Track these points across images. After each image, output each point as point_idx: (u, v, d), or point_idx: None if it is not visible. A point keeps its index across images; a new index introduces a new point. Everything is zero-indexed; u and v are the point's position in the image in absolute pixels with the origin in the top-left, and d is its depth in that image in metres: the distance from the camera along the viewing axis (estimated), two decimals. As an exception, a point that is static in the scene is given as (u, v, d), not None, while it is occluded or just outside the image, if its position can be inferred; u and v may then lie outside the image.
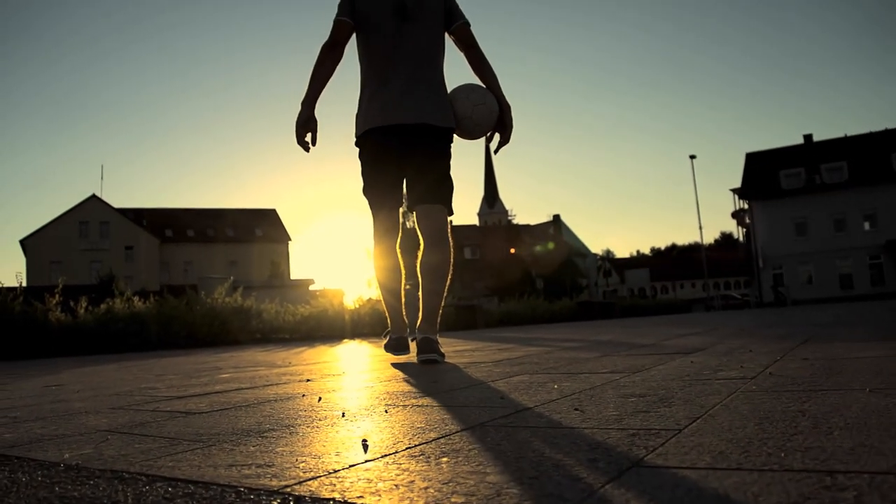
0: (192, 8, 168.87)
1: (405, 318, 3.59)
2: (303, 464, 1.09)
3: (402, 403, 1.78)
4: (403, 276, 3.49)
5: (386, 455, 1.12)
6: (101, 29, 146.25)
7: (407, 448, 1.17)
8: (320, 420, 1.56)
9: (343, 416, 1.61)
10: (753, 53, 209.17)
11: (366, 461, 1.08)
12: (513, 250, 72.42)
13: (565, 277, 62.35)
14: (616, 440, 1.14)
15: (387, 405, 1.76)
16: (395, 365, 3.23)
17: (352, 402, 1.88)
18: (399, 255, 3.45)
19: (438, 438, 1.24)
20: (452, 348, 4.54)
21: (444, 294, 3.27)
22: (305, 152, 3.27)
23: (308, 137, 3.24)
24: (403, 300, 3.54)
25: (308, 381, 2.67)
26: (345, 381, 2.61)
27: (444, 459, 1.06)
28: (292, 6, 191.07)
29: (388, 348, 3.60)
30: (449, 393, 1.97)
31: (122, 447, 1.32)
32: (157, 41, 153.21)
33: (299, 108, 3.23)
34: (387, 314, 3.57)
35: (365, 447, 1.20)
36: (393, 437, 1.29)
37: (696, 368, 2.26)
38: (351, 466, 1.05)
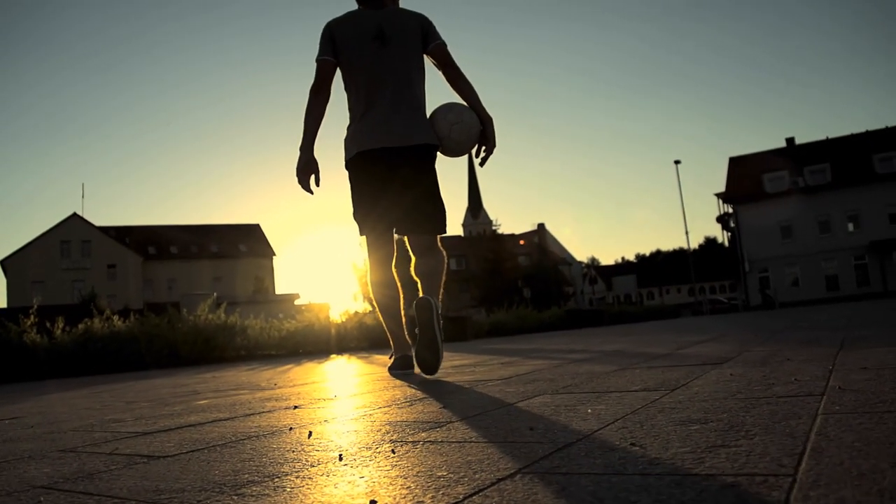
0: (174, 25, 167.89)
1: (407, 338, 3.47)
2: (291, 546, 0.78)
3: (410, 439, 1.47)
4: (402, 299, 3.42)
5: (406, 528, 0.82)
6: (81, 46, 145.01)
7: (433, 514, 0.86)
8: (312, 466, 1.25)
9: (340, 458, 1.30)
10: (735, 58, 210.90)
11: (379, 539, 0.78)
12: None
13: (552, 286, 62.01)
14: (716, 494, 0.84)
15: (392, 441, 1.46)
16: (392, 386, 2.93)
17: (349, 438, 1.57)
18: (396, 278, 3.38)
19: (471, 496, 0.94)
20: (450, 363, 4.24)
21: (441, 292, 3.22)
22: (310, 195, 3.28)
23: (311, 180, 3.26)
24: (404, 321, 3.45)
25: (296, 408, 2.36)
26: (337, 408, 2.29)
27: (491, 536, 0.76)
28: (272, 21, 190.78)
29: (393, 370, 3.51)
30: (464, 422, 1.66)
31: (53, 516, 1.01)
32: (138, 58, 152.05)
33: (298, 153, 3.23)
34: (389, 338, 3.51)
35: (375, 512, 0.89)
36: (409, 493, 0.99)
37: (742, 383, 1.97)
38: (360, 551, 0.75)
